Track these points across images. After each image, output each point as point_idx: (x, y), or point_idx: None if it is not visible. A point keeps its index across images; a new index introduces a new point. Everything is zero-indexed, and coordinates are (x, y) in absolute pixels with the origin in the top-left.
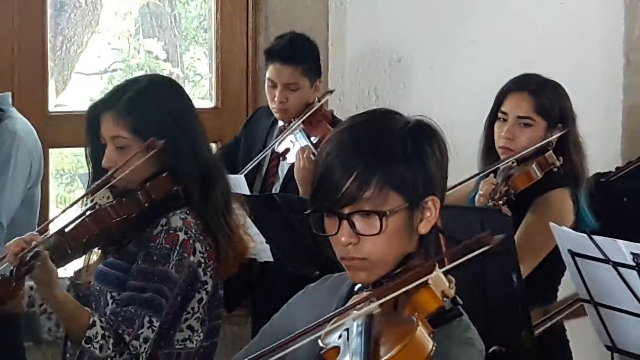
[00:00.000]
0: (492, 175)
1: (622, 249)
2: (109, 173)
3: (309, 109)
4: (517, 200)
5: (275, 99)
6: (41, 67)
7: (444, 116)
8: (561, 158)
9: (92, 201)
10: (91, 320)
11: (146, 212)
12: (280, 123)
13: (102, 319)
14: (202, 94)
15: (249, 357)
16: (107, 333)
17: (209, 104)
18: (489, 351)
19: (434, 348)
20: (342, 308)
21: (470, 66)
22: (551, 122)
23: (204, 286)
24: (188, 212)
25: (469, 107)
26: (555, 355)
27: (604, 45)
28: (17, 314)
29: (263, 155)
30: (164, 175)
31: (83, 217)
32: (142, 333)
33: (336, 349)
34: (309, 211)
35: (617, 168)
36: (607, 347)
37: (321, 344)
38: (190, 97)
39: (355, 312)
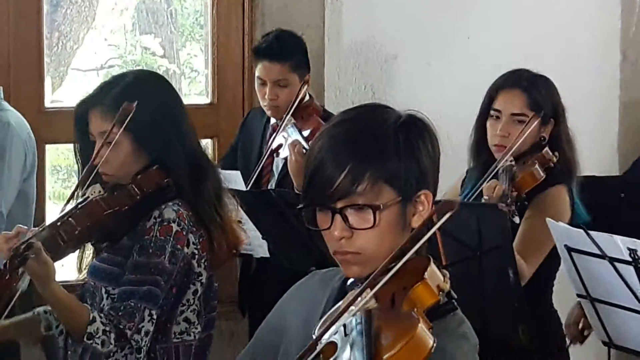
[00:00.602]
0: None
1: (618, 244)
2: (98, 167)
3: (294, 103)
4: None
5: (266, 97)
6: (37, 63)
7: (440, 112)
8: (556, 153)
9: (83, 195)
10: (91, 316)
11: (138, 204)
12: (273, 120)
13: (102, 315)
14: (198, 91)
15: None
16: (107, 328)
17: (205, 100)
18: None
19: (434, 344)
20: (342, 306)
21: (466, 62)
22: (544, 117)
23: (198, 278)
24: (180, 203)
25: (465, 103)
26: (552, 351)
27: (600, 41)
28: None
29: (262, 157)
30: (154, 167)
31: (75, 210)
32: (143, 327)
33: (333, 344)
34: (301, 205)
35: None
36: (604, 343)
37: (315, 337)
38: (187, 93)
39: (352, 307)
